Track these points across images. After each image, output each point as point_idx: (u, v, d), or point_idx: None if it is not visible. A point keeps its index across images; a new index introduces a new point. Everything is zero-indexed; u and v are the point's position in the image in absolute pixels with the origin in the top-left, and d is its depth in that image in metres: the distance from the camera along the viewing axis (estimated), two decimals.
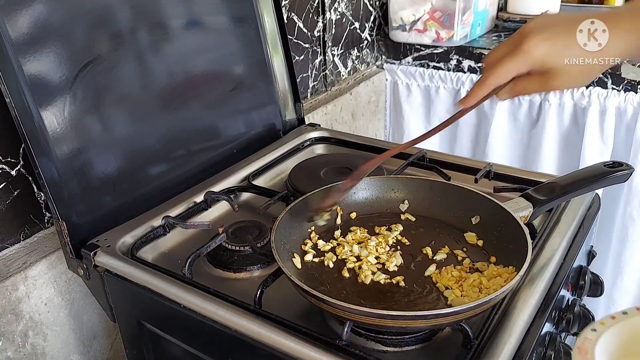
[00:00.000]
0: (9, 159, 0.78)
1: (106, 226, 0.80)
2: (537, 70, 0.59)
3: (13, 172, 0.79)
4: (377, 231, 0.74)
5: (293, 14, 1.25)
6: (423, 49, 1.56)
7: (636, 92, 1.32)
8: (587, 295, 0.82)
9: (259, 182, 0.95)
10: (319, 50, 1.37)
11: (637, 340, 0.51)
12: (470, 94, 0.63)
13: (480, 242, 0.71)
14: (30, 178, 0.81)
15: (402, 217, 0.77)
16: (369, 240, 0.71)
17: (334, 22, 1.40)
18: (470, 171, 0.93)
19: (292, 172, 0.95)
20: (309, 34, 1.32)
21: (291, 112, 1.15)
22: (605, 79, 1.32)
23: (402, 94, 1.63)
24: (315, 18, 1.33)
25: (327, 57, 1.40)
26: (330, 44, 1.40)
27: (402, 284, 0.64)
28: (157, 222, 0.80)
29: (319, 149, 1.11)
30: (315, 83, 1.39)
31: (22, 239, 0.83)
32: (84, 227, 0.78)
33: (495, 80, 0.61)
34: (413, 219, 0.77)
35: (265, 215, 0.83)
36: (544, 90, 0.61)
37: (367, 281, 0.65)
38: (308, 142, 1.10)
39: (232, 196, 0.88)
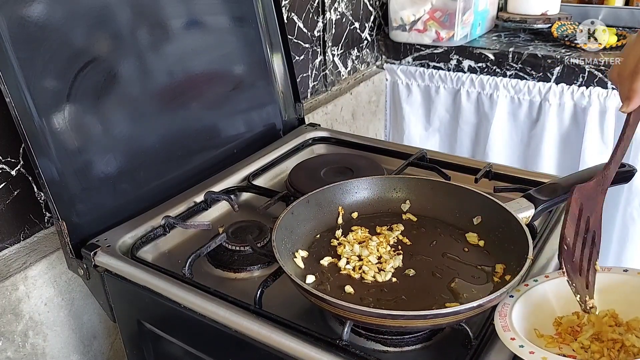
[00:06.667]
0: (9, 159, 0.78)
1: (106, 226, 0.80)
2: None
3: (13, 172, 0.79)
4: (378, 231, 0.74)
5: (293, 14, 1.25)
6: (423, 49, 1.55)
7: None
8: None
9: (259, 182, 0.95)
10: (319, 50, 1.37)
11: (543, 301, 0.59)
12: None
13: (481, 243, 0.70)
14: (30, 178, 0.81)
15: (404, 217, 0.77)
16: (370, 240, 0.71)
17: (334, 22, 1.40)
18: (470, 171, 0.93)
19: (292, 172, 0.95)
20: (309, 34, 1.32)
21: (291, 112, 1.15)
22: (605, 79, 1.32)
23: (402, 94, 1.63)
24: (315, 18, 1.33)
25: (327, 57, 1.40)
26: (330, 44, 1.40)
27: (401, 283, 0.64)
28: (157, 222, 0.80)
29: (319, 149, 1.11)
30: (315, 83, 1.39)
31: (22, 239, 0.82)
32: (84, 227, 0.78)
33: None
34: (414, 219, 0.77)
35: (265, 215, 0.83)
36: None
37: (368, 281, 0.65)
38: (308, 142, 1.10)
39: (232, 196, 0.88)
